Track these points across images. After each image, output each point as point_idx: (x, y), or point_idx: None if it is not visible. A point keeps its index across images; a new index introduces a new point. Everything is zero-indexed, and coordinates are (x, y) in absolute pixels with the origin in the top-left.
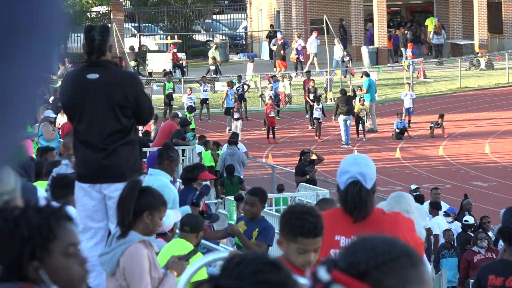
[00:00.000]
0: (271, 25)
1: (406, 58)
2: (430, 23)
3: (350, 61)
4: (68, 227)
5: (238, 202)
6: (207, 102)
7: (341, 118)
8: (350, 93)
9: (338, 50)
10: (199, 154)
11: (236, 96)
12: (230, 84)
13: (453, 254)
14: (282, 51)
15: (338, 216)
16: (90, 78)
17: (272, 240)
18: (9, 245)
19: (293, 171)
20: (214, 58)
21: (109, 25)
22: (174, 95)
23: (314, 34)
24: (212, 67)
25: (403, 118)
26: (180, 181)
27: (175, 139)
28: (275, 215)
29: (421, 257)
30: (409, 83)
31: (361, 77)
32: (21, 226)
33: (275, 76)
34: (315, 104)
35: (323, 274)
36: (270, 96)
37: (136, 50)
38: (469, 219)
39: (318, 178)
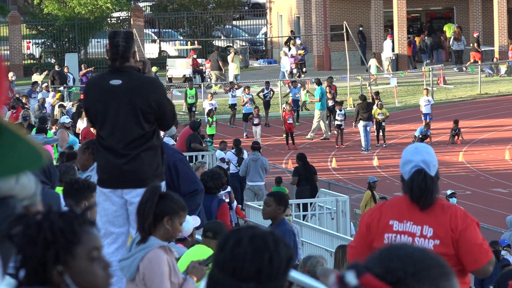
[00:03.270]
0: (292, 31)
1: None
2: (448, 29)
3: (299, 73)
4: (91, 231)
5: None
6: (236, 107)
7: (361, 124)
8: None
9: (286, 62)
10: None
11: (263, 102)
12: (247, 89)
13: None
14: (476, 44)
15: (397, 202)
16: (113, 84)
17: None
18: (33, 249)
19: None
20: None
21: (132, 31)
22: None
23: (389, 38)
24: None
25: (429, 128)
26: None
27: (193, 143)
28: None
29: (451, 269)
30: (427, 89)
31: (314, 84)
32: (45, 229)
33: (295, 82)
34: (337, 109)
35: (352, 278)
36: (287, 102)
37: (156, 56)
38: None
39: (338, 184)
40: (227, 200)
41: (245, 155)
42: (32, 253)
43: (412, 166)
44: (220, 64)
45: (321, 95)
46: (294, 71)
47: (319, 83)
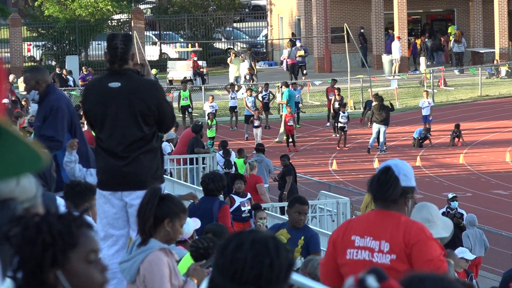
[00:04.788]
0: (292, 33)
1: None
2: (451, 32)
3: (251, 79)
4: (89, 234)
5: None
6: (236, 110)
7: (375, 126)
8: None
9: (244, 67)
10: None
11: (261, 104)
12: (249, 91)
13: None
14: None
15: (365, 217)
16: (112, 86)
17: (319, 246)
18: (31, 250)
19: (314, 179)
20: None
21: (131, 34)
22: (194, 102)
23: (397, 40)
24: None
25: (428, 132)
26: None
27: (196, 148)
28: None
29: None
30: (427, 91)
31: (281, 87)
32: (43, 232)
33: (295, 84)
34: (340, 112)
35: (373, 282)
36: (288, 104)
37: (157, 58)
38: None
39: (339, 186)
40: (248, 207)
41: (233, 156)
42: (30, 255)
43: (383, 165)
44: (253, 64)
45: (288, 97)
46: (247, 76)
47: (286, 85)
